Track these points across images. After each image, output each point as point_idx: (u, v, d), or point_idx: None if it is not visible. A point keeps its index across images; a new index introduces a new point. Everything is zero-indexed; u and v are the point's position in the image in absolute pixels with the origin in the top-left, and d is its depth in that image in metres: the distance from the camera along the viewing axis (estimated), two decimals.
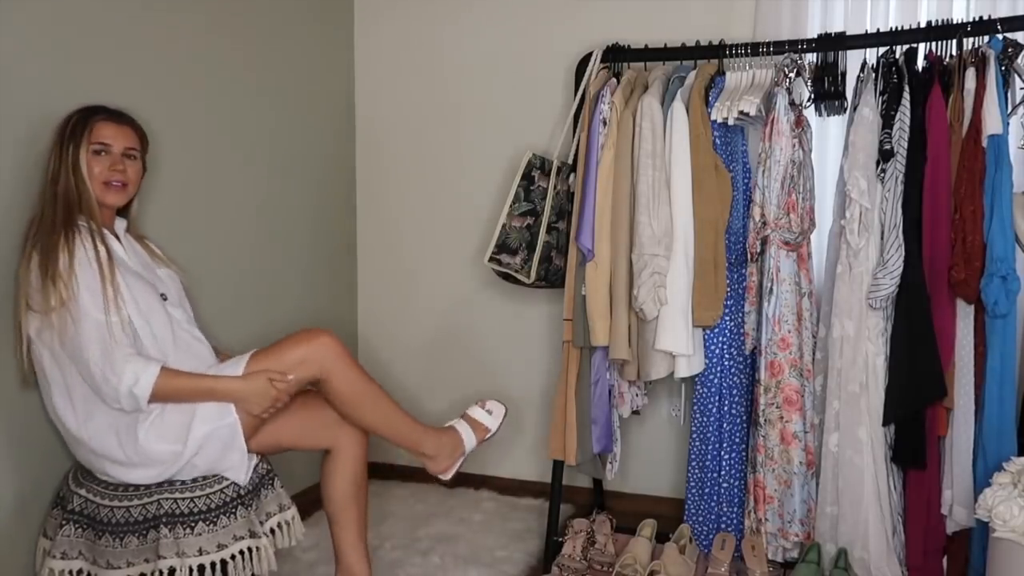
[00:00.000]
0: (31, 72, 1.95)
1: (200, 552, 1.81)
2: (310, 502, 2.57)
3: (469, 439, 2.21)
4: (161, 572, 1.78)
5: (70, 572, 1.83)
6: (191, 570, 1.80)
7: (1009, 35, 2.14)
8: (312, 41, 3.01)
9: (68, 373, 1.82)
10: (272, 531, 2.00)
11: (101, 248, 1.82)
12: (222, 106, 2.57)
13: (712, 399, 2.47)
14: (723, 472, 2.49)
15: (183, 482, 1.87)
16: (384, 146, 3.25)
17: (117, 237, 1.96)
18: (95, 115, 1.90)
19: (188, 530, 1.82)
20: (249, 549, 1.87)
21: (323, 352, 1.96)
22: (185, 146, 2.42)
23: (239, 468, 1.91)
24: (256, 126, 2.73)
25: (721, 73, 2.46)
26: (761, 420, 2.37)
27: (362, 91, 3.25)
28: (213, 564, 1.82)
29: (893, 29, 2.40)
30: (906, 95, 2.20)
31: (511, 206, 2.57)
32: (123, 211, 2.03)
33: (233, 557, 1.84)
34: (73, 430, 1.85)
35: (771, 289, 2.33)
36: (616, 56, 2.59)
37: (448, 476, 2.20)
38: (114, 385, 1.76)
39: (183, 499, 1.84)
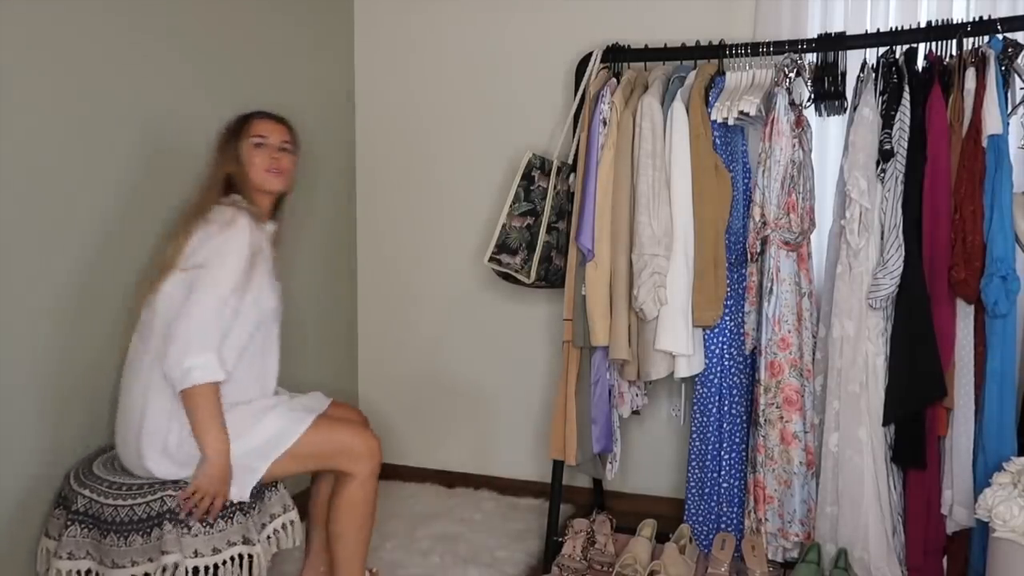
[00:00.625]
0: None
1: (196, 554, 1.82)
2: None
3: None
4: (166, 568, 1.79)
5: (77, 572, 1.84)
6: (186, 570, 1.81)
7: (1009, 35, 2.14)
8: (312, 41, 3.01)
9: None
10: (275, 532, 2.01)
11: (256, 236, 1.98)
12: (221, 106, 2.57)
13: (712, 399, 2.47)
14: (723, 472, 2.49)
15: (186, 481, 1.88)
16: (384, 146, 3.25)
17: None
18: (254, 114, 2.13)
19: (186, 529, 1.83)
20: (241, 556, 1.88)
21: (369, 456, 2.08)
22: (184, 146, 2.42)
23: (245, 490, 1.93)
24: None
25: (721, 73, 2.46)
26: (761, 420, 2.37)
27: (362, 91, 3.25)
28: (206, 567, 1.83)
29: (893, 29, 2.40)
30: (906, 95, 2.20)
31: (511, 206, 2.57)
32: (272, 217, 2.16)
33: (224, 563, 1.85)
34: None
35: (771, 289, 2.33)
36: (616, 56, 2.59)
37: None
38: (181, 357, 1.83)
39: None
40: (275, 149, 2.11)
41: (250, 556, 1.89)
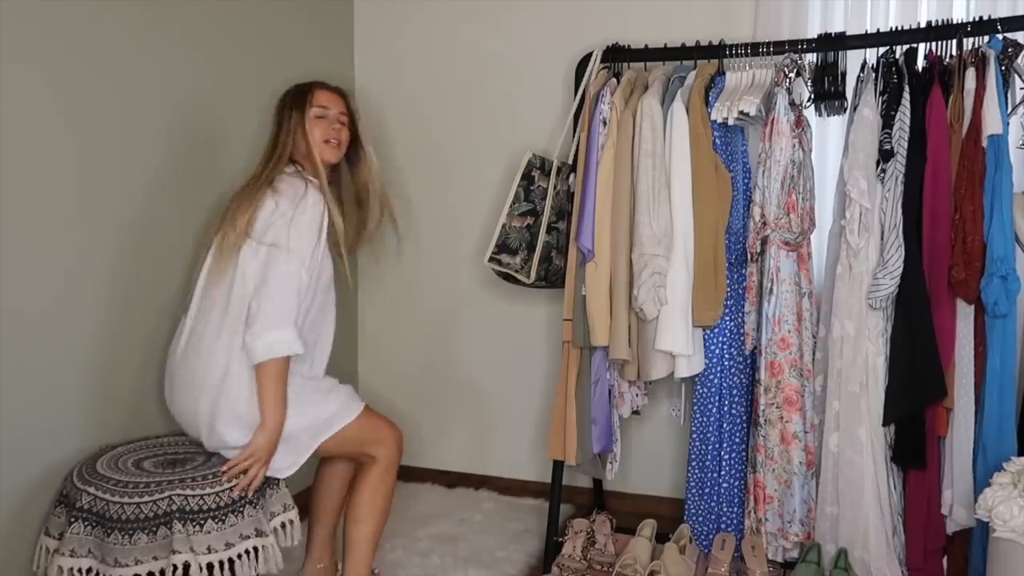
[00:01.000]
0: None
1: (209, 550, 1.83)
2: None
3: None
4: (175, 567, 1.79)
5: (79, 570, 1.83)
6: (200, 567, 1.81)
7: (1009, 35, 2.14)
8: (312, 40, 3.01)
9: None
10: (275, 530, 2.01)
11: (323, 208, 2.00)
12: (220, 105, 2.57)
13: (712, 399, 2.47)
14: (723, 472, 2.49)
15: (193, 479, 1.88)
16: (384, 145, 3.25)
17: None
18: (315, 84, 2.16)
19: (198, 527, 1.83)
20: (256, 548, 1.89)
21: (395, 445, 2.19)
22: (183, 145, 2.42)
23: (294, 466, 2.02)
24: (255, 125, 2.72)
25: (721, 73, 2.46)
26: (761, 420, 2.37)
27: (362, 91, 3.24)
28: (221, 562, 1.83)
29: (893, 29, 2.40)
30: (906, 95, 2.20)
31: (511, 206, 2.57)
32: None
33: (240, 556, 1.86)
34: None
35: (771, 289, 2.33)
36: (616, 56, 2.59)
37: None
38: (264, 331, 1.89)
39: (193, 496, 1.85)
40: (335, 121, 2.14)
41: (264, 548, 1.90)
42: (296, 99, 2.13)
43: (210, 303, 2.00)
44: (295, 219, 1.95)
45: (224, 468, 1.91)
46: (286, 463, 2.00)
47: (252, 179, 2.07)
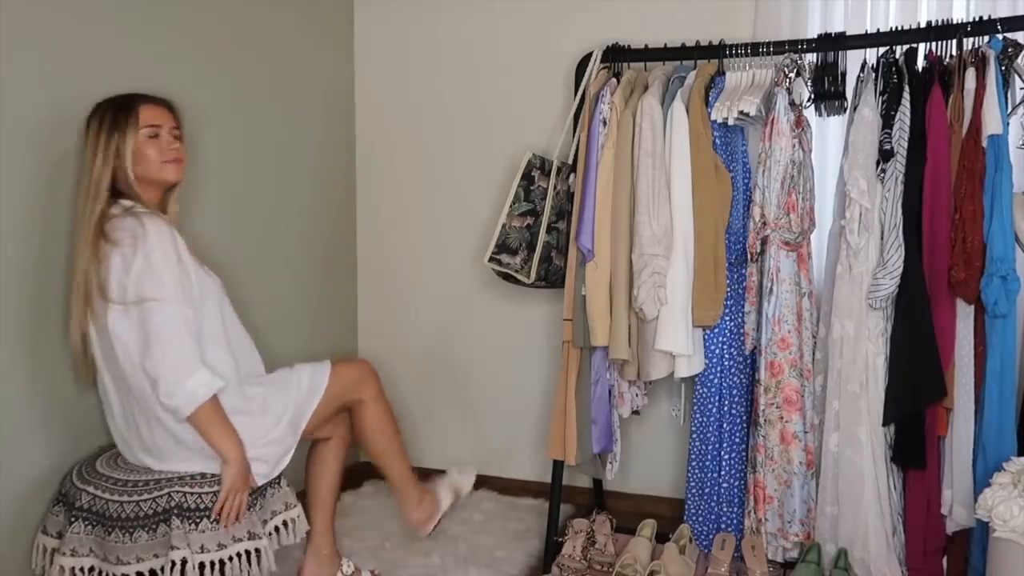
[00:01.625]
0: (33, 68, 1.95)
1: (203, 549, 1.83)
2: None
3: (445, 500, 2.49)
4: (174, 563, 1.79)
5: (80, 569, 1.84)
6: (193, 566, 1.81)
7: (1009, 35, 2.14)
8: (312, 41, 3.01)
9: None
10: (276, 528, 2.02)
11: (168, 232, 1.85)
12: (220, 105, 2.57)
13: (712, 399, 2.47)
14: (723, 472, 2.49)
15: (192, 476, 1.89)
16: (384, 146, 3.25)
17: None
18: (137, 101, 1.92)
19: (193, 525, 1.83)
20: (247, 551, 1.89)
21: (370, 377, 2.25)
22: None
23: (278, 468, 2.02)
24: (254, 126, 2.73)
25: (721, 73, 2.46)
26: (761, 420, 2.37)
27: (362, 91, 3.25)
28: (212, 563, 1.83)
29: (893, 29, 2.40)
30: (906, 95, 2.20)
31: (511, 206, 2.57)
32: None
33: (231, 559, 1.86)
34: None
35: (771, 289, 2.33)
36: (616, 56, 2.59)
37: (426, 531, 2.46)
38: (177, 387, 1.77)
39: (191, 494, 1.85)
40: (169, 138, 1.95)
41: (257, 551, 1.90)
42: (117, 119, 1.88)
43: (102, 351, 1.90)
44: (146, 264, 1.78)
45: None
46: (267, 472, 1.98)
47: (78, 225, 1.87)
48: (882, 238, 2.22)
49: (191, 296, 1.86)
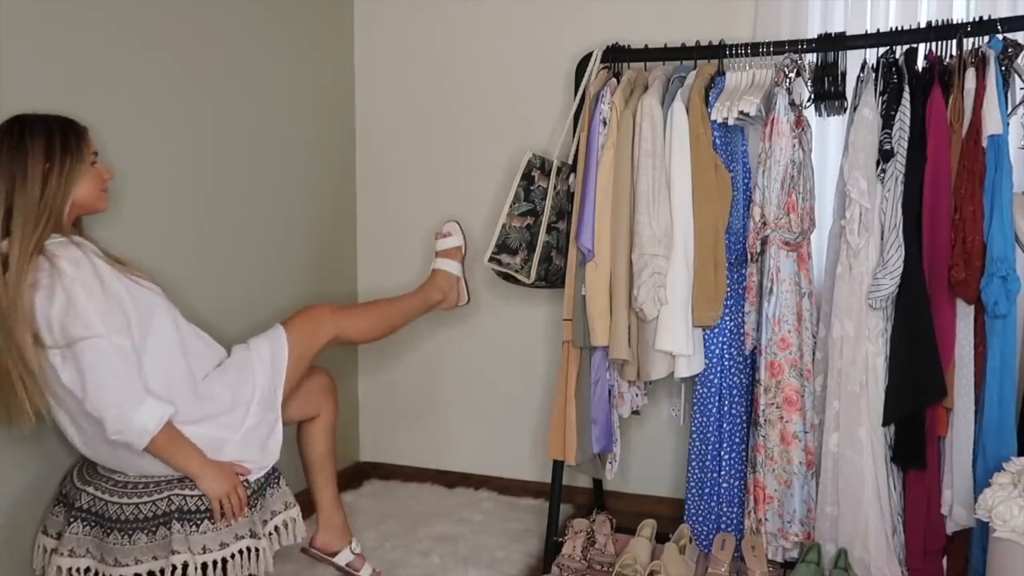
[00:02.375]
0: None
1: (204, 550, 1.83)
2: (310, 503, 2.57)
3: (454, 267, 2.53)
4: (175, 567, 1.79)
5: (77, 570, 1.84)
6: (195, 567, 1.81)
7: (1009, 35, 2.14)
8: (312, 41, 3.01)
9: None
10: (276, 529, 2.02)
11: (83, 261, 1.71)
12: (220, 105, 2.57)
13: (712, 399, 2.47)
14: (723, 472, 2.49)
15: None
16: (384, 146, 3.25)
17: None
18: (76, 127, 1.80)
19: (194, 527, 1.83)
20: (249, 549, 1.89)
21: (326, 316, 2.19)
22: (183, 146, 2.42)
23: (275, 452, 2.01)
24: (255, 126, 2.73)
25: (721, 73, 2.46)
26: (761, 420, 2.37)
27: (362, 91, 3.25)
28: (215, 562, 1.83)
29: (893, 29, 2.40)
30: (906, 95, 2.20)
31: (511, 206, 2.57)
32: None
33: (233, 556, 1.86)
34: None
35: (771, 289, 2.33)
36: (616, 56, 2.59)
37: (464, 301, 2.56)
38: (124, 424, 1.70)
39: (192, 496, 1.85)
40: (100, 165, 1.86)
41: (257, 550, 1.90)
42: (68, 145, 1.75)
43: (75, 415, 1.82)
44: (68, 301, 1.66)
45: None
46: (266, 436, 1.99)
47: (13, 248, 1.67)
48: (882, 238, 2.22)
49: (125, 324, 1.73)
